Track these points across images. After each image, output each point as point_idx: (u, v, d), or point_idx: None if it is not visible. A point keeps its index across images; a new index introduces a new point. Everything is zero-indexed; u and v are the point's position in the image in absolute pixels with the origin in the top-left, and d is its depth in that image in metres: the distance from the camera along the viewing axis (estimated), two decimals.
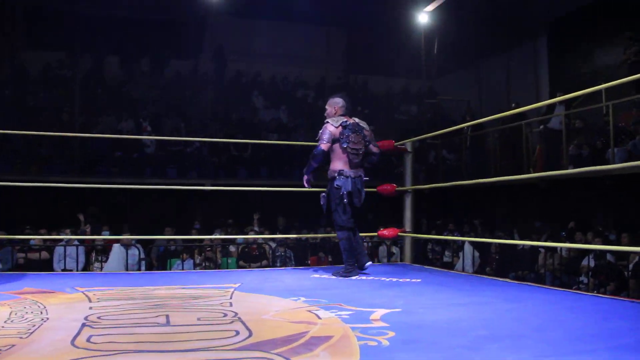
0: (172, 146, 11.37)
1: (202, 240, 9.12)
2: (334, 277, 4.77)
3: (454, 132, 11.67)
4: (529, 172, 9.99)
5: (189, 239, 9.03)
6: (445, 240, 10.43)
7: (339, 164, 4.83)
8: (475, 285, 4.41)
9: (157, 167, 11.04)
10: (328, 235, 9.77)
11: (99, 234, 9.23)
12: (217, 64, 13.38)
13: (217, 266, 8.98)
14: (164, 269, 8.94)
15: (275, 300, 3.50)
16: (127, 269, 8.25)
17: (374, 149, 5.08)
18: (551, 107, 10.54)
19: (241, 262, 9.08)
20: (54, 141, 11.20)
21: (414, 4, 12.66)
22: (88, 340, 2.43)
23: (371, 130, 5.11)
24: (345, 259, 4.90)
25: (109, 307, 3.26)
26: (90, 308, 3.19)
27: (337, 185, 4.79)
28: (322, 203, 4.99)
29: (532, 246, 9.16)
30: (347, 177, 4.80)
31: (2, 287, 4.10)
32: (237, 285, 4.18)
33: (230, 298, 3.57)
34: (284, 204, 11.01)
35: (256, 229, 10.38)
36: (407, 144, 6.04)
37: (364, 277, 4.75)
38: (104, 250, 8.82)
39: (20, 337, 2.49)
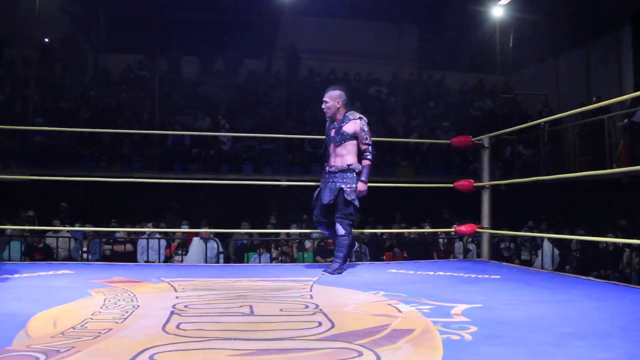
0: (248, 143, 11.59)
1: (278, 234, 9.26)
2: (326, 274, 4.57)
3: (530, 128, 11.36)
4: (611, 167, 9.59)
5: (265, 233, 9.18)
6: (522, 238, 10.17)
7: (356, 158, 4.68)
8: (557, 283, 4.28)
9: (233, 164, 11.28)
10: (403, 230, 9.73)
11: (179, 227, 9.55)
12: (290, 62, 13.53)
13: (294, 260, 9.10)
14: (241, 262, 9.15)
15: (354, 294, 3.52)
16: (206, 262, 8.49)
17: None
18: (636, 99, 10.06)
19: (317, 257, 9.15)
20: (134, 139, 11.66)
21: None
22: (178, 327, 2.54)
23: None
24: (345, 255, 4.78)
25: (194, 296, 3.37)
26: (177, 297, 3.32)
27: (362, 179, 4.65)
28: (352, 198, 4.65)
29: (616, 245, 8.79)
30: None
31: (94, 275, 4.33)
32: (315, 278, 4.23)
33: (310, 290, 3.63)
34: (359, 200, 11.03)
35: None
36: (484, 139, 5.92)
37: (441, 273, 4.70)
38: (184, 243, 9.11)
39: (116, 322, 2.63)
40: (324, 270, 4.64)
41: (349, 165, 4.61)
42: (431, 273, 4.70)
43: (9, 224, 9.19)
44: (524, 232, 10.26)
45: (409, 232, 9.93)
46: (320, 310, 2.92)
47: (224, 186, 9.27)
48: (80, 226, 9.84)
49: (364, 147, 4.65)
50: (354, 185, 4.59)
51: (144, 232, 9.22)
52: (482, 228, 5.80)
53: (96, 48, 14.19)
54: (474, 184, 5.84)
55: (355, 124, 4.64)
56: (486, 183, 5.82)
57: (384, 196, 10.47)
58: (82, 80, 13.06)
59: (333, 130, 4.71)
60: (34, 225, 9.75)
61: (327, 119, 4.85)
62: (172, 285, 3.79)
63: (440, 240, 10.15)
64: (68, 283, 3.98)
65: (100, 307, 2.99)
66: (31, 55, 12.30)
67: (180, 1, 12.54)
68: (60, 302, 3.11)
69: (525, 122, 10.86)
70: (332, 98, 4.70)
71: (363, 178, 4.62)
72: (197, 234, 8.96)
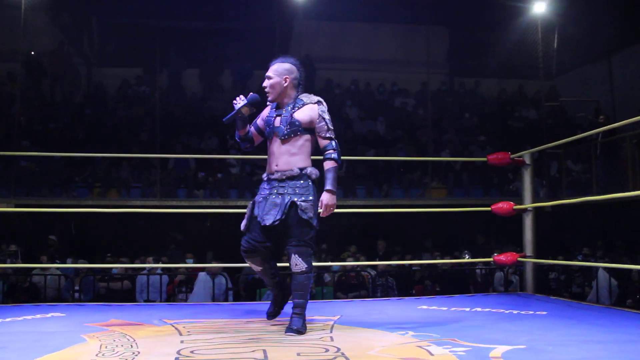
0: (260, 166, 11.66)
1: None
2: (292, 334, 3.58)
3: (580, 140, 11.30)
4: None
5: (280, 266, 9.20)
6: (574, 267, 10.06)
7: (309, 159, 3.84)
8: (615, 320, 4.24)
9: (242, 189, 11.36)
10: (435, 262, 9.69)
11: (184, 262, 9.61)
12: (305, 73, 13.66)
13: (312, 296, 9.10)
14: (253, 298, 9.17)
15: (380, 335, 3.53)
16: (213, 299, 8.53)
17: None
18: None
19: (338, 294, 9.15)
20: (133, 163, 11.79)
21: None
22: None
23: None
24: (303, 303, 3.74)
25: (200, 340, 3.40)
26: (182, 342, 3.35)
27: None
28: (311, 216, 3.71)
29: None
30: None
31: (88, 318, 4.37)
32: (336, 317, 4.24)
33: (331, 332, 3.65)
34: (384, 226, 11.04)
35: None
36: (525, 155, 5.92)
37: (478, 309, 4.67)
38: (189, 279, 9.17)
39: None
40: (287, 331, 3.60)
41: (301, 170, 3.73)
42: (467, 309, 4.69)
43: None
44: (577, 260, 10.15)
45: (442, 263, 9.89)
46: (342, 354, 2.93)
47: (233, 214, 9.33)
48: (72, 262, 9.94)
49: (324, 142, 3.78)
50: (311, 198, 3.68)
51: (143, 268, 9.29)
52: (525, 257, 5.78)
53: (89, 61, 14.44)
54: (515, 207, 5.83)
55: (311, 109, 3.81)
56: (528, 205, 5.80)
57: (412, 221, 10.49)
58: (74, 97, 13.29)
59: (278, 119, 3.85)
60: (18, 261, 9.87)
61: (268, 103, 4.02)
62: (176, 328, 3.83)
63: (478, 271, 10.09)
64: (59, 327, 4.03)
65: (96, 355, 3.02)
66: (16, 70, 12.50)
67: (182, 8, 12.77)
68: (50, 350, 3.15)
69: (574, 133, 10.76)
70: (278, 73, 3.90)
71: (329, 187, 3.72)
72: (203, 269, 9.01)
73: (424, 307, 4.95)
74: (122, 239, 10.65)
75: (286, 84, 3.88)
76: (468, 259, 9.93)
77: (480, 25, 14.00)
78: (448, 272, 9.90)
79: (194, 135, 12.57)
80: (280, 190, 3.71)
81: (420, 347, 3.12)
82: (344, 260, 10.01)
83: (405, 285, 9.82)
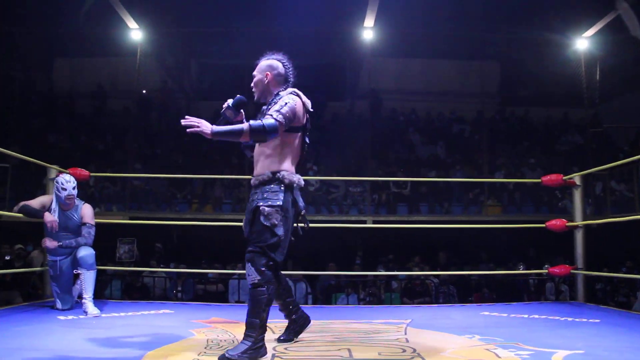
0: (333, 185, 11.73)
1: (365, 275, 9.28)
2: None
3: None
4: None
5: (355, 275, 9.21)
6: (619, 278, 9.68)
7: (288, 163, 3.15)
8: None
9: (319, 205, 11.44)
10: (491, 272, 9.50)
11: None
12: (372, 104, 13.70)
13: (381, 301, 9.07)
14: (329, 303, 9.21)
15: (449, 337, 3.50)
16: None
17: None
18: None
19: (404, 299, 9.08)
20: (225, 182, 12.06)
21: (570, 31, 12.13)
22: None
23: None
24: (259, 322, 2.97)
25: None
26: (275, 340, 3.41)
27: (292, 199, 3.12)
28: (272, 223, 3.03)
29: None
30: (300, 187, 3.18)
31: (193, 315, 4.50)
32: (408, 321, 4.23)
33: (405, 334, 3.64)
34: (444, 239, 10.91)
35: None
36: (576, 177, 5.78)
37: (535, 316, 4.56)
38: None
39: None
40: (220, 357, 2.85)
41: (274, 174, 3.09)
42: (525, 316, 4.59)
43: (110, 264, 9.72)
44: (622, 272, 9.77)
45: (499, 274, 9.68)
46: (419, 354, 2.93)
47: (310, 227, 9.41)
48: (174, 266, 10.23)
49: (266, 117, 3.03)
50: (278, 204, 3.03)
51: (234, 273, 9.46)
52: (577, 269, 5.61)
53: (188, 96, 14.91)
54: (567, 224, 5.67)
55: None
56: (579, 223, 5.64)
57: (470, 235, 10.32)
58: (175, 126, 13.73)
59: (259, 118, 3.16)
60: (133, 264, 10.24)
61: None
62: (269, 327, 3.88)
63: (531, 281, 9.82)
64: (170, 322, 4.17)
65: (205, 348, 3.12)
66: (130, 106, 13.10)
67: (265, 49, 13.03)
68: (166, 342, 3.28)
69: (617, 156, 10.42)
70: (260, 70, 3.30)
71: (215, 125, 2.95)
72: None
73: (486, 313, 4.87)
74: (216, 247, 10.86)
75: (267, 80, 3.25)
76: (523, 270, 9.68)
77: (528, 59, 13.74)
78: (503, 281, 9.67)
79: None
80: (253, 197, 3.12)
81: (487, 349, 3.08)
82: (410, 270, 9.93)
83: (464, 292, 9.67)
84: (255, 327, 2.93)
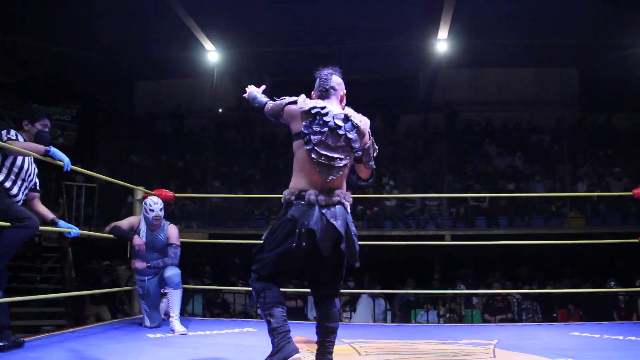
0: (408, 200, 11.58)
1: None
2: None
3: None
4: None
5: (436, 294, 9.05)
6: None
7: (299, 178, 2.99)
8: None
9: (396, 220, 11.33)
10: (575, 290, 9.08)
11: (345, 285, 9.72)
12: (447, 116, 13.51)
13: (461, 318, 8.88)
14: (408, 319, 9.10)
15: None
16: (374, 320, 8.54)
17: (364, 172, 3.22)
18: None
19: (486, 316, 8.84)
20: None
21: None
22: None
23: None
24: (271, 329, 2.94)
25: None
26: None
27: (291, 216, 2.88)
28: (263, 239, 3.08)
29: None
30: (310, 204, 2.89)
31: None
32: (495, 342, 4.10)
33: (494, 356, 3.53)
34: (525, 253, 10.57)
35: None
36: None
37: (632, 338, 4.30)
38: (352, 300, 9.24)
39: None
40: None
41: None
42: (621, 337, 4.35)
43: (192, 280, 9.98)
44: None
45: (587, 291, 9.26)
46: None
47: (388, 242, 9.35)
48: None
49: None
50: (276, 222, 3.01)
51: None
52: None
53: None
54: None
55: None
56: None
57: (552, 248, 9.93)
58: (252, 144, 13.99)
59: None
60: (213, 280, 10.47)
61: None
62: (354, 348, 3.87)
63: (620, 297, 9.34)
64: (255, 342, 4.21)
65: None
66: (208, 125, 13.46)
67: (338, 65, 13.12)
68: None
69: None
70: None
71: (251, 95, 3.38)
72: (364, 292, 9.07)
73: (576, 333, 4.66)
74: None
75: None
76: (614, 286, 9.19)
77: (608, 63, 13.18)
78: (590, 297, 9.24)
79: (351, 173, 12.73)
80: None
81: None
82: (491, 285, 9.66)
83: (548, 308, 9.31)
84: (271, 333, 2.91)
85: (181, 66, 13.19)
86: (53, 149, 3.84)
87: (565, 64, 13.70)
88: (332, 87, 3.14)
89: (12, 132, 3.80)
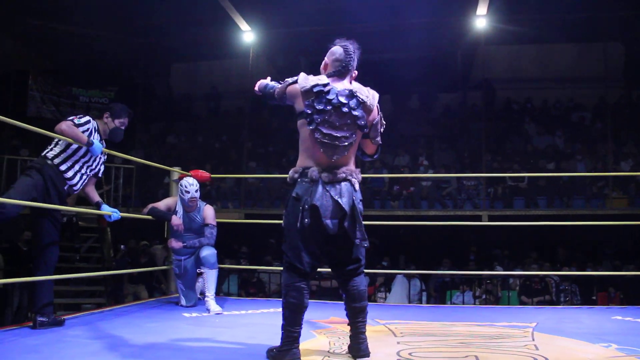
0: (444, 181, 11.43)
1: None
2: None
3: None
4: None
5: (472, 274, 8.94)
6: None
7: (304, 157, 2.93)
8: None
9: (433, 200, 11.22)
10: (616, 273, 8.85)
11: (380, 265, 9.69)
12: (485, 94, 13.24)
13: (497, 299, 8.77)
14: (443, 300, 9.03)
15: (583, 346, 3.27)
16: (409, 301, 8.50)
17: (370, 148, 3.16)
18: None
19: (523, 297, 8.72)
20: None
21: None
22: None
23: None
24: (284, 325, 2.88)
25: (414, 342, 3.38)
26: (398, 343, 3.35)
27: (295, 194, 2.87)
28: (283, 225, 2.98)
29: None
30: (313, 180, 2.86)
31: (311, 315, 4.48)
32: (533, 324, 4.02)
33: (533, 340, 3.45)
34: (564, 234, 10.35)
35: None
36: None
37: None
38: (387, 281, 9.22)
39: None
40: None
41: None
42: None
43: (227, 260, 10.08)
44: None
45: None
46: None
47: (424, 222, 9.27)
48: None
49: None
50: (286, 207, 2.96)
51: None
52: None
53: None
54: None
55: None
56: None
57: (592, 229, 9.70)
58: (287, 124, 13.97)
59: None
60: (248, 260, 10.56)
61: None
62: (389, 329, 3.84)
63: None
64: None
65: (328, 351, 3.12)
66: (244, 105, 13.49)
67: (374, 43, 12.95)
68: None
69: None
70: (326, 57, 3.10)
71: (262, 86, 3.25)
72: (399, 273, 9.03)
73: (618, 317, 4.53)
74: None
75: (324, 64, 3.10)
76: None
77: None
78: (632, 280, 9.01)
79: (387, 153, 12.63)
80: None
81: None
82: (527, 267, 9.51)
83: (587, 291, 9.12)
84: (283, 329, 2.87)
85: (217, 47, 13.24)
86: (95, 144, 3.92)
87: (609, 38, 13.21)
88: (353, 67, 3.02)
89: (85, 118, 3.98)
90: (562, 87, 13.59)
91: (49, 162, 3.81)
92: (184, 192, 4.86)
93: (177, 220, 4.83)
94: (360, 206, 2.90)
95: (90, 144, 3.87)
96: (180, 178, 5.19)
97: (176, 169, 5.68)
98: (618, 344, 3.25)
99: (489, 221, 10.28)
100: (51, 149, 3.88)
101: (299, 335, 2.87)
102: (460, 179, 11.25)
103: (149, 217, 4.92)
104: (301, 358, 2.87)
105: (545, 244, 10.57)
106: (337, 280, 3.06)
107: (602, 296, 8.99)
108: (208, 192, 11.43)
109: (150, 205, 4.96)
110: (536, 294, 8.77)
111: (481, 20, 11.44)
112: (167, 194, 5.73)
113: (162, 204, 5.00)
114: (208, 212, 4.96)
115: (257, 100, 13.92)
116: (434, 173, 11.37)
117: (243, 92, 13.22)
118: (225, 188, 12.11)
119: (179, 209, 4.92)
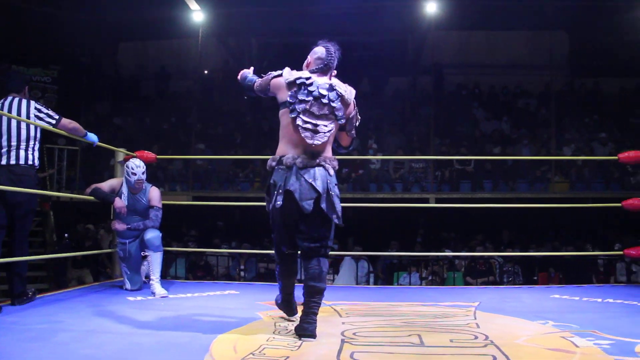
0: (396, 162, 11.56)
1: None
2: None
3: None
4: None
5: (420, 255, 9.10)
6: None
7: (283, 144, 3.14)
8: None
9: (381, 183, 11.33)
10: (556, 254, 9.16)
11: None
12: (435, 79, 13.40)
13: (443, 280, 8.95)
14: (390, 281, 9.16)
15: (521, 323, 3.38)
16: (357, 282, 8.59)
17: (345, 140, 3.39)
18: None
19: (468, 278, 8.93)
20: None
21: None
22: (351, 356, 2.58)
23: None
24: (280, 288, 3.46)
25: (359, 322, 3.42)
26: (343, 323, 3.38)
27: (273, 180, 3.13)
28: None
29: None
30: (288, 167, 3.07)
31: (258, 297, 4.49)
32: (476, 304, 4.13)
33: (475, 318, 3.54)
34: (509, 217, 10.63)
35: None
36: None
37: (610, 300, 4.35)
38: (334, 262, 9.28)
39: (291, 350, 2.73)
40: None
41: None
42: (599, 300, 4.40)
43: (175, 243, 9.96)
44: None
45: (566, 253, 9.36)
46: (492, 342, 2.84)
47: (372, 204, 9.35)
48: (236, 245, 10.34)
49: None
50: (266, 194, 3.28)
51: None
52: None
53: None
54: None
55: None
56: None
57: (535, 212, 10.00)
58: (237, 106, 13.83)
59: None
60: (196, 243, 10.46)
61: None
62: (335, 309, 3.87)
63: (599, 260, 9.45)
64: (236, 304, 4.20)
65: (273, 333, 3.12)
66: (193, 87, 13.26)
67: (324, 26, 12.90)
68: (234, 325, 3.29)
69: None
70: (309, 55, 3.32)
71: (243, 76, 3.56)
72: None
73: (556, 296, 4.70)
74: None
75: (307, 63, 3.31)
76: (592, 251, 9.27)
77: (599, 28, 13.07)
78: (570, 261, 9.34)
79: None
80: None
81: (563, 337, 2.95)
82: (473, 249, 9.73)
83: (529, 271, 9.41)
84: (281, 292, 3.49)
85: (166, 27, 12.89)
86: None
87: (556, 27, 13.53)
88: (334, 65, 3.22)
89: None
90: (510, 74, 13.86)
91: None
92: (130, 173, 4.76)
93: (119, 202, 4.72)
94: (336, 189, 3.11)
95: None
96: (126, 159, 5.07)
97: (121, 150, 5.55)
98: (554, 321, 3.37)
99: (436, 204, 10.46)
100: None
101: (293, 295, 3.45)
102: (409, 162, 11.38)
103: (92, 197, 4.80)
104: (245, 339, 2.90)
105: (491, 226, 10.82)
106: (301, 256, 3.20)
107: (543, 276, 9.30)
108: (155, 174, 11.22)
109: (93, 186, 4.84)
110: (480, 274, 9.00)
111: (431, 5, 11.52)
112: (112, 176, 5.60)
113: (106, 185, 4.88)
114: (154, 194, 4.88)
115: (207, 81, 13.81)
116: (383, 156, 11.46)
117: (192, 73, 13.02)
118: (173, 170, 11.92)
119: (124, 190, 4.82)
